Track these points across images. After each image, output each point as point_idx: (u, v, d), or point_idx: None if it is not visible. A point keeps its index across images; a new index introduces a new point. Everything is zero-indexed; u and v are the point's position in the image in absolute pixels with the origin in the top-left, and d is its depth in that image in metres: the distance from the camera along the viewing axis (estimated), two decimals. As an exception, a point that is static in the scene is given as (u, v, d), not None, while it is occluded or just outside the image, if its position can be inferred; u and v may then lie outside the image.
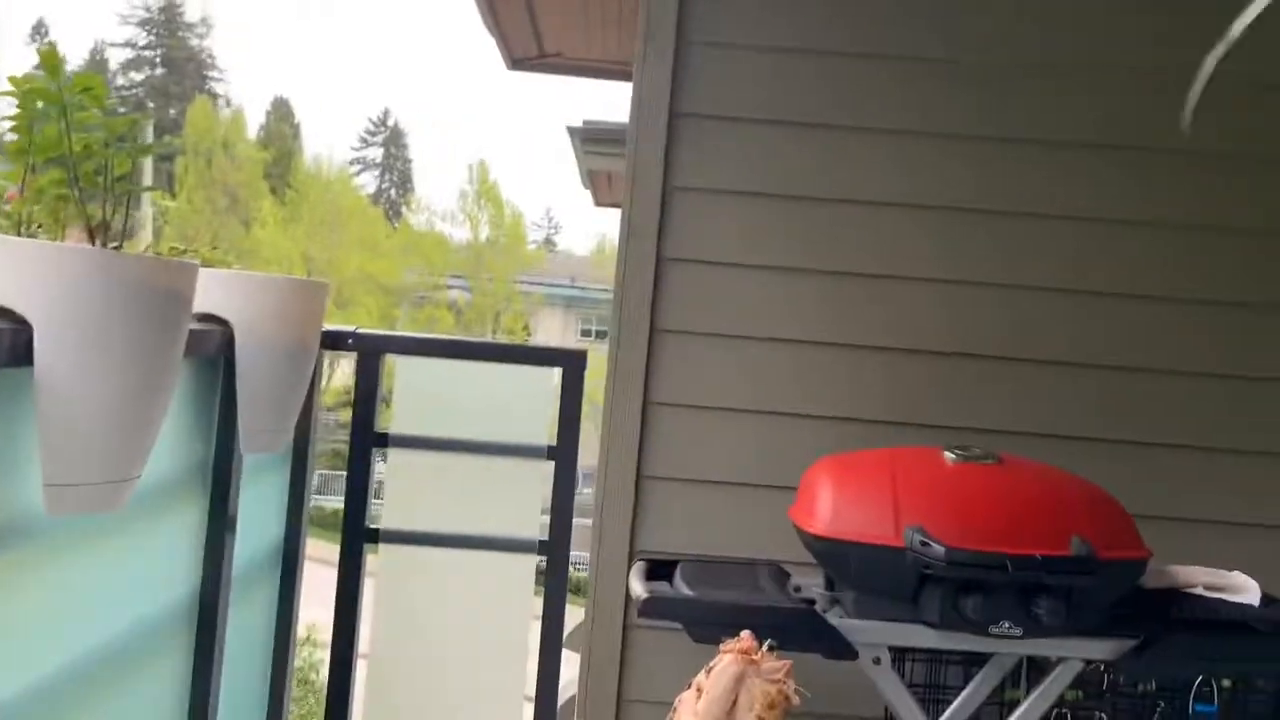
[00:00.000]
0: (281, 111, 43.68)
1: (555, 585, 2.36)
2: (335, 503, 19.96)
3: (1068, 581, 1.62)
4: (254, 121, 37.51)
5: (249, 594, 2.07)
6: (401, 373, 2.45)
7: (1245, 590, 1.76)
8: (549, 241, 43.66)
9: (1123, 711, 2.26)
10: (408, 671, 2.40)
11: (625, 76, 3.30)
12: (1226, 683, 1.70)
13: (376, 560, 2.45)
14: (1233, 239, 2.36)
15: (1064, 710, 2.21)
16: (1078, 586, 1.63)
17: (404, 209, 38.47)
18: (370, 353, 2.38)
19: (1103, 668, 2.22)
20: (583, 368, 2.37)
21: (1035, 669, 1.97)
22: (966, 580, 1.64)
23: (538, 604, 2.37)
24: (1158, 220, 2.35)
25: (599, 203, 7.72)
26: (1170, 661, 1.72)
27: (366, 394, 2.38)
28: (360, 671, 2.40)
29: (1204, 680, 1.70)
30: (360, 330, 2.37)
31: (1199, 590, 1.77)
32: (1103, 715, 2.22)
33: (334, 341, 2.33)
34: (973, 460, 1.78)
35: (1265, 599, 1.76)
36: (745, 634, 1.29)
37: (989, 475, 1.76)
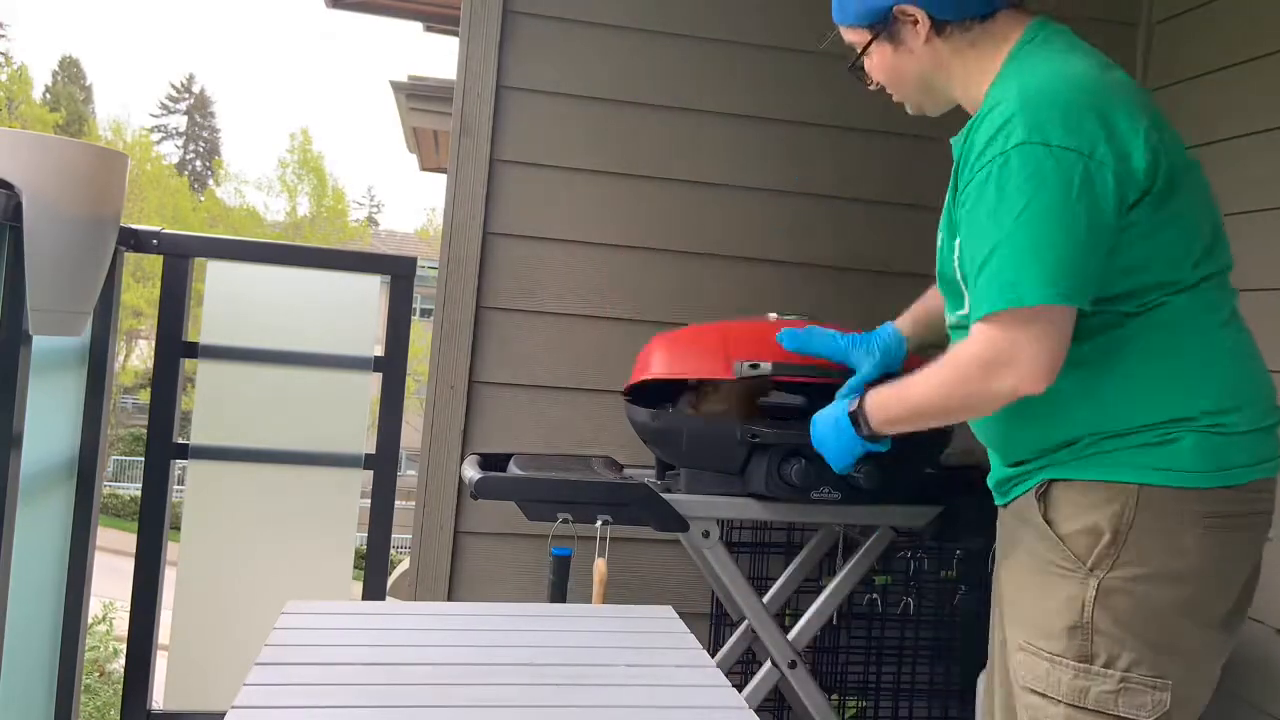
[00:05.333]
0: (71, 72, 40.20)
1: (383, 500, 2.28)
2: (132, 490, 18.43)
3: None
4: (39, 82, 34.35)
5: (36, 511, 1.89)
6: (213, 280, 2.31)
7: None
8: (371, 220, 42.20)
9: (927, 597, 2.42)
10: (217, 595, 2.26)
11: (449, 20, 3.20)
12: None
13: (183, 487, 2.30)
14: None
15: (874, 595, 2.35)
16: (891, 451, 1.72)
17: (211, 181, 36.26)
18: (177, 255, 2.23)
19: (909, 556, 2.37)
20: (412, 274, 2.30)
21: (849, 554, 2.07)
22: (790, 449, 1.71)
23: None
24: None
25: (425, 166, 7.48)
26: (969, 526, 1.85)
27: (174, 300, 2.23)
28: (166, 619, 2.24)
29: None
30: (166, 230, 2.21)
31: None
32: (909, 600, 2.38)
33: (138, 241, 2.17)
34: (796, 318, 1.84)
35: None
36: None
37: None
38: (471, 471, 1.78)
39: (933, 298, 1.63)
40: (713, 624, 2.38)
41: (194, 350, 2.24)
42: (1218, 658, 1.33)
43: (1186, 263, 1.29)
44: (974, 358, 1.28)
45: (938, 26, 1.36)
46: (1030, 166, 1.21)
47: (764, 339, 1.72)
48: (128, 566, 2.20)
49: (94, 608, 4.44)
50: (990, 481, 1.50)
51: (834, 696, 2.40)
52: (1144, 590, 1.26)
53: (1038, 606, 1.33)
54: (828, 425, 1.53)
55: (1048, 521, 1.32)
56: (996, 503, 1.49)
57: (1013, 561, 1.41)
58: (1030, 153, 1.21)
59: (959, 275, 1.34)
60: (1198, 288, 1.30)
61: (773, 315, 1.83)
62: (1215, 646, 1.31)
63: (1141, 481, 1.26)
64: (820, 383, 1.69)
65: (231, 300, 2.28)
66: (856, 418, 1.47)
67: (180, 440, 2.24)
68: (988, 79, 1.34)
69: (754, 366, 1.68)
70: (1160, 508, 1.26)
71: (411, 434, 2.57)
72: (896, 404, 1.43)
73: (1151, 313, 1.29)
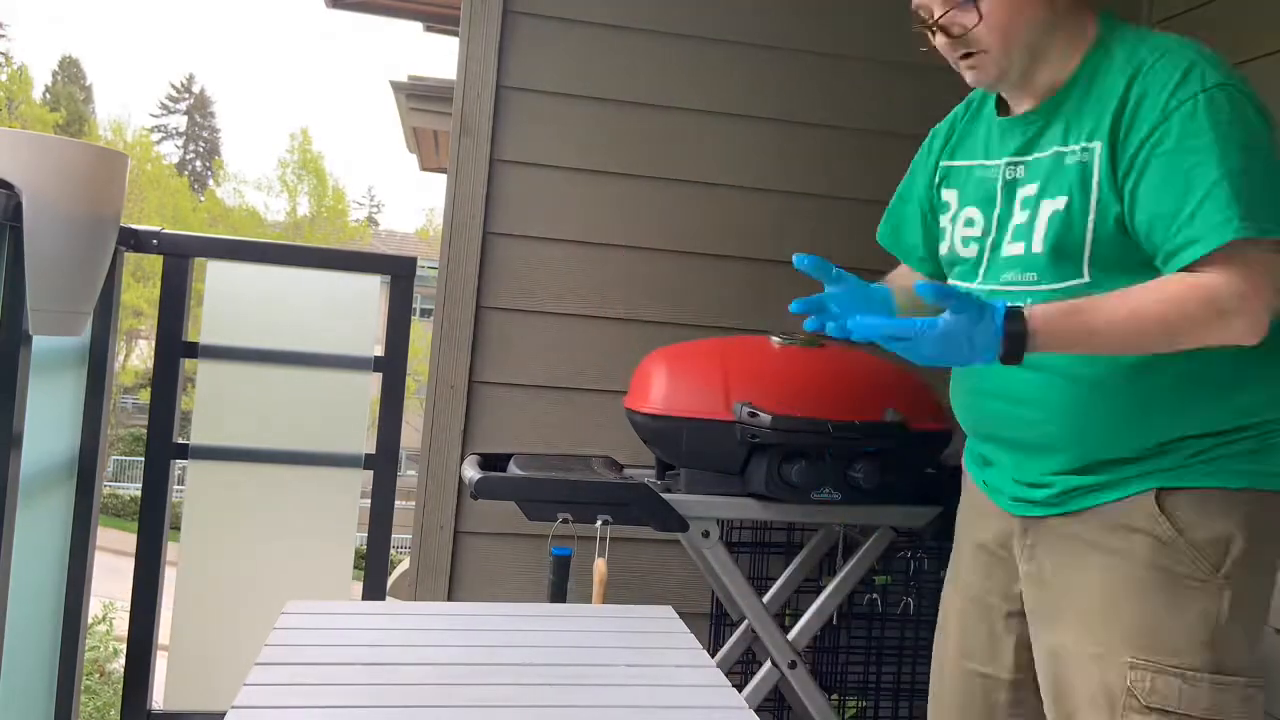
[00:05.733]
0: (71, 72, 40.24)
1: (383, 500, 2.28)
2: (132, 490, 18.46)
3: (882, 445, 1.71)
4: (39, 82, 34.38)
5: (36, 511, 1.89)
6: (213, 280, 2.31)
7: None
8: (371, 220, 42.24)
9: (927, 597, 2.42)
10: (217, 595, 2.25)
11: (449, 20, 3.20)
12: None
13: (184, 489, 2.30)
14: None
15: (874, 595, 2.35)
16: (891, 452, 1.73)
17: (211, 181, 36.31)
18: (177, 255, 2.23)
19: (909, 556, 2.37)
20: (412, 274, 2.30)
21: (849, 554, 2.08)
22: (790, 449, 1.71)
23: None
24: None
25: (425, 166, 7.46)
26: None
27: (174, 300, 2.23)
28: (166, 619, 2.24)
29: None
30: (166, 230, 2.22)
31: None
32: (909, 600, 2.38)
33: (138, 241, 2.17)
34: (797, 344, 1.85)
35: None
36: None
37: (812, 357, 1.83)
38: (471, 471, 1.79)
39: (902, 278, 1.57)
40: (713, 624, 2.38)
41: (194, 350, 2.24)
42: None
43: None
44: (1208, 299, 1.16)
45: None
46: (1241, 106, 1.20)
47: (764, 371, 1.74)
48: (128, 566, 2.20)
49: (94, 608, 4.44)
50: (1038, 495, 1.34)
51: (834, 696, 2.40)
52: (1262, 598, 1.27)
53: (1161, 620, 1.25)
54: (957, 328, 1.17)
55: (1178, 531, 1.25)
56: (1037, 513, 1.34)
57: (1104, 574, 1.29)
58: (1235, 93, 1.20)
59: (1136, 232, 1.22)
60: None
61: (775, 339, 1.83)
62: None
63: (1261, 487, 1.25)
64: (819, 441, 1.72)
65: (231, 300, 2.28)
66: (1015, 313, 1.18)
67: (180, 440, 2.24)
68: (1075, 56, 1.32)
69: (753, 415, 1.71)
70: (1275, 513, 1.25)
71: (411, 434, 2.57)
72: (1087, 307, 1.21)
73: None
